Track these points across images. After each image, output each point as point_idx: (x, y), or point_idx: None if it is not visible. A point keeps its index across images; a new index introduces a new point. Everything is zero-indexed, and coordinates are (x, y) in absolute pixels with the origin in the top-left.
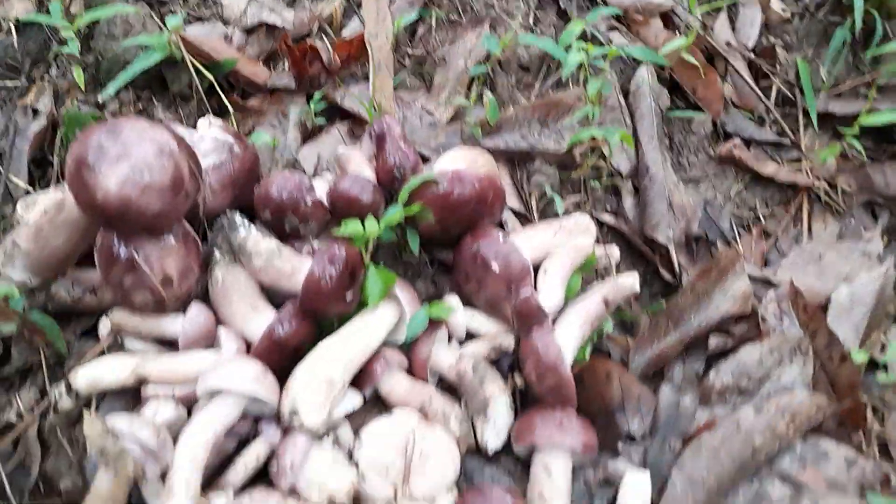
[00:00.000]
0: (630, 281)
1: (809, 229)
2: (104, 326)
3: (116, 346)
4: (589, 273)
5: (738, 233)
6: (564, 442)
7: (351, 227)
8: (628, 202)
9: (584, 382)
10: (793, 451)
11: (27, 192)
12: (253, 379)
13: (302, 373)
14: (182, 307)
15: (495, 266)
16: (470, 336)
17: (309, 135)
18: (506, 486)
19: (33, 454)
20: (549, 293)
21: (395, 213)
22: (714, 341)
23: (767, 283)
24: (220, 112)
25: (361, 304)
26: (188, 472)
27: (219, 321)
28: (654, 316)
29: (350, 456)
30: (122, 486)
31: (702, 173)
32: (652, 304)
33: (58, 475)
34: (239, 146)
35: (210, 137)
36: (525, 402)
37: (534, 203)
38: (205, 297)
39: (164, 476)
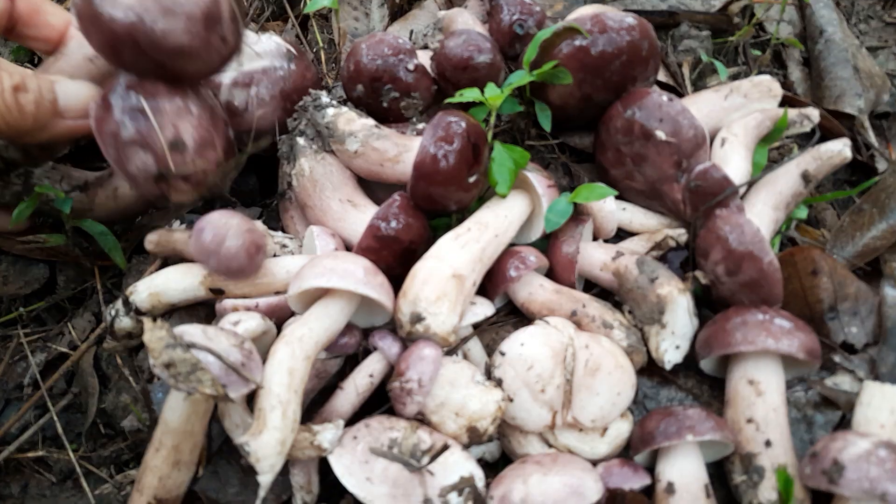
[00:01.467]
0: (838, 147)
1: None
2: (149, 241)
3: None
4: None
5: None
6: (778, 346)
7: (468, 93)
8: (796, 73)
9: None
10: None
11: None
12: (362, 276)
13: (424, 269)
14: (193, 195)
15: (661, 133)
16: (620, 236)
17: (397, 12)
18: (700, 407)
19: (90, 389)
20: (730, 167)
21: (522, 76)
22: None
23: None
24: None
25: (480, 200)
26: (285, 394)
27: (308, 221)
28: (855, 205)
29: (488, 375)
30: (200, 414)
31: (878, 41)
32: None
33: (119, 413)
34: (297, 61)
35: (272, 41)
36: (704, 307)
37: (685, 72)
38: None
39: (250, 401)
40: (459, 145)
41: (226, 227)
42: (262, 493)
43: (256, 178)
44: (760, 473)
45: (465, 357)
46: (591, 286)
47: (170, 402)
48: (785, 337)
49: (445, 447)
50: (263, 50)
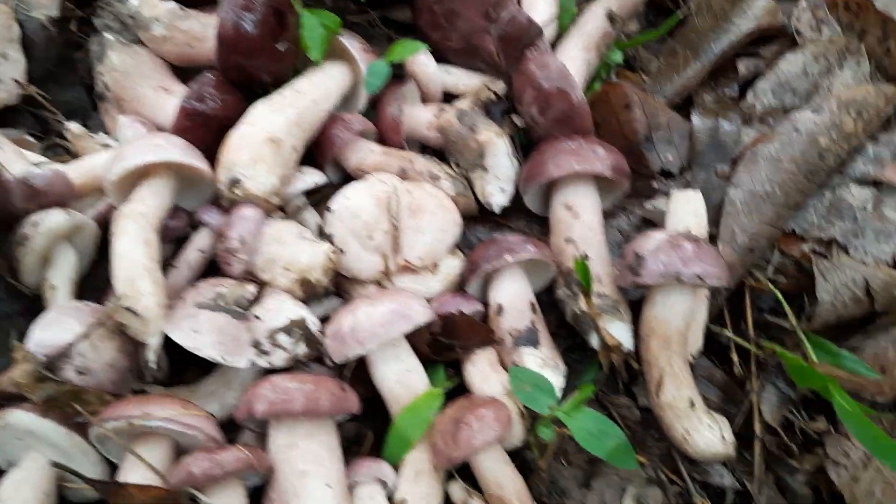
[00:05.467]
0: None
1: None
2: None
3: None
4: None
5: None
6: (585, 167)
7: None
8: None
9: (597, 117)
10: (865, 153)
11: None
12: (183, 147)
13: (236, 135)
14: None
15: None
16: (448, 99)
17: None
18: (521, 234)
19: None
20: (536, 12)
21: None
22: (744, 65)
23: None
24: None
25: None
26: (148, 262)
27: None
28: (668, 47)
29: (321, 233)
30: None
31: None
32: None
33: None
34: None
35: None
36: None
37: None
38: None
39: None
40: (260, 11)
41: None
42: (152, 355)
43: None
44: (579, 286)
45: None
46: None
47: None
48: (593, 160)
49: (262, 285)
50: None
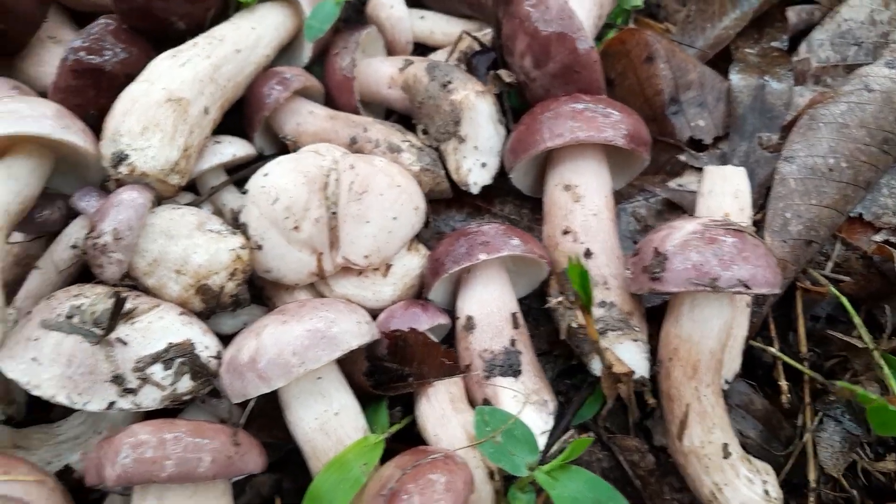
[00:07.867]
0: None
1: None
2: None
3: None
4: None
5: None
6: (593, 135)
7: None
8: None
9: (611, 72)
10: None
11: None
12: (54, 117)
13: (127, 96)
14: None
15: None
16: (425, 54)
17: None
18: (500, 223)
19: None
20: None
21: None
22: (795, 12)
23: None
24: None
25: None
26: None
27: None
28: None
29: (236, 223)
30: None
31: None
32: None
33: None
34: None
35: None
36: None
37: None
38: None
39: None
40: None
41: None
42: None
43: None
44: (576, 295)
45: (221, 211)
46: None
47: None
48: (602, 125)
49: (121, 300)
50: None
